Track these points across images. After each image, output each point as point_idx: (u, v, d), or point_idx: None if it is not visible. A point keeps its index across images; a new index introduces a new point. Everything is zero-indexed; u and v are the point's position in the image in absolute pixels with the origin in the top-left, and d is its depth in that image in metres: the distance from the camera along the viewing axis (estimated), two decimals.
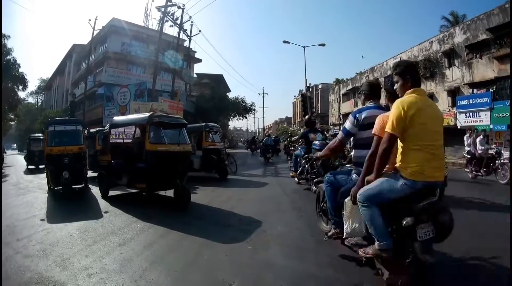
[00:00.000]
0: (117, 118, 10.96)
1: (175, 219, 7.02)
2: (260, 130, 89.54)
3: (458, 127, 25.02)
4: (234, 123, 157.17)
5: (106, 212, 7.71)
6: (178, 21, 32.04)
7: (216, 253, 4.80)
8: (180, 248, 5.12)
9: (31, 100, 71.98)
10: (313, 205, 5.74)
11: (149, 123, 8.40)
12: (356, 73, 48.76)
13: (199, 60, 50.27)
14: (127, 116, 11.24)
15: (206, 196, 9.71)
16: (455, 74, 27.60)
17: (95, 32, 36.12)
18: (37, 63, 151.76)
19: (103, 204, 8.78)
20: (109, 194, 9.69)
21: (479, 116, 23.80)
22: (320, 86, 70.65)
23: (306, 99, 28.87)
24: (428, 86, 30.38)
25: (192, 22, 35.90)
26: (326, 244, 4.81)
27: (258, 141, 34.68)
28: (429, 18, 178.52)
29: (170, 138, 9.29)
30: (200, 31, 36.65)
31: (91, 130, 15.86)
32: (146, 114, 8.83)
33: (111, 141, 10.21)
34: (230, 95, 49.62)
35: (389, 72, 37.35)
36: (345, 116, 49.63)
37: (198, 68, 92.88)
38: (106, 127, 10.71)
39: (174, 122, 9.27)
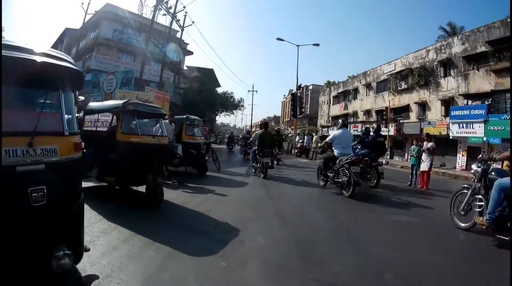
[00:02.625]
0: (92, 104, 10.02)
1: (144, 220, 6.20)
2: (248, 127, 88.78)
3: (450, 137, 24.89)
4: (222, 118, 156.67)
5: None
6: (172, 10, 31.30)
7: (183, 268, 4.01)
8: (142, 258, 4.31)
9: None
10: (299, 211, 7.47)
11: (122, 110, 7.61)
12: (348, 76, 48.51)
13: (191, 53, 49.32)
14: (103, 102, 10.25)
15: (182, 195, 8.87)
16: (450, 84, 27.24)
17: (88, 17, 35.53)
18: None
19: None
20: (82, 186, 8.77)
21: (472, 128, 23.33)
22: (310, 87, 70.17)
23: (296, 99, 28.30)
24: (422, 94, 30.23)
25: (186, 12, 35.24)
26: (314, 262, 4.37)
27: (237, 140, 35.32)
28: (426, 28, 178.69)
29: (144, 129, 8.52)
30: (193, 22, 36.02)
31: None
32: (121, 101, 8.03)
33: (84, 129, 9.37)
34: (219, 90, 49.06)
35: (382, 78, 37.04)
36: (334, 118, 49.42)
37: (189, 61, 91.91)
38: (80, 114, 9.77)
39: (150, 111, 8.49)
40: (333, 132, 11.36)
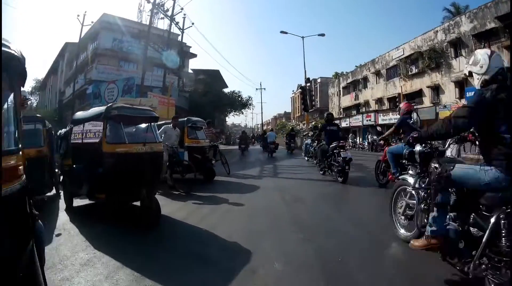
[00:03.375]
0: (79, 114, 8.98)
1: (136, 245, 5.26)
2: (259, 125, 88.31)
3: None
4: (233, 119, 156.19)
5: (58, 235, 5.88)
6: (169, 13, 30.64)
7: None
8: None
9: None
10: (322, 221, 6.13)
11: (105, 117, 6.75)
12: (356, 66, 47.80)
13: (194, 55, 48.95)
14: (88, 110, 8.94)
15: (185, 207, 7.92)
16: (462, 65, 26.27)
17: (86, 29, 35.48)
18: (32, 63, 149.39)
19: (62, 219, 7.07)
20: (75, 205, 8.05)
21: None
22: (319, 80, 69.57)
23: (305, 92, 27.48)
24: (434, 77, 29.50)
25: (184, 14, 34.66)
26: None
27: (255, 138, 34.27)
28: (430, 11, 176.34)
29: (133, 136, 7.55)
30: (193, 23, 35.24)
31: (63, 130, 14.21)
32: (104, 107, 7.17)
33: (72, 141, 8.38)
34: (227, 91, 48.50)
35: (391, 64, 36.20)
36: (346, 109, 48.75)
37: (194, 63, 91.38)
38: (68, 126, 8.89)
39: (139, 115, 7.56)
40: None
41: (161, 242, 5.47)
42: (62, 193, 8.91)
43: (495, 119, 3.07)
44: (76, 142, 8.36)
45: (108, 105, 7.12)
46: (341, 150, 10.81)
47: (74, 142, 8.33)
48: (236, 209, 7.64)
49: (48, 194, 9.51)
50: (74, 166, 7.73)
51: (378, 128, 19.12)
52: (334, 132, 12.04)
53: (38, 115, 10.67)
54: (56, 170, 10.12)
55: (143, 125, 7.88)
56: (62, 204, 8.45)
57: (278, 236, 5.45)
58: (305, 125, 32.51)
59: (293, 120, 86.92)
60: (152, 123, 7.70)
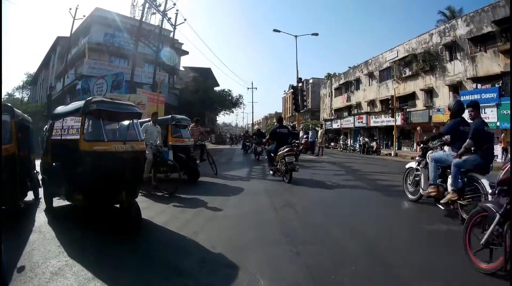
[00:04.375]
0: (59, 108, 8.24)
1: (111, 252, 4.84)
2: (249, 125, 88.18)
3: None
4: (223, 118, 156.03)
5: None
6: (162, 8, 30.23)
7: None
8: None
9: (17, 95, 70.60)
10: (315, 229, 5.89)
11: (84, 112, 6.21)
12: (349, 67, 47.70)
13: (186, 52, 48.61)
14: (69, 105, 8.16)
15: (167, 211, 7.40)
16: (457, 68, 26.30)
17: (78, 22, 35.45)
18: (24, 57, 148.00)
19: (40, 221, 6.61)
20: (56, 205, 7.54)
21: (484, 113, 21.99)
22: (310, 81, 69.46)
23: (297, 92, 27.18)
24: (428, 80, 29.45)
25: (177, 10, 34.27)
26: None
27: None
28: (424, 14, 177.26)
29: (113, 134, 7.11)
30: (185, 19, 34.84)
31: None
32: (82, 101, 6.55)
33: (52, 137, 7.84)
34: (218, 89, 48.32)
35: (384, 66, 36.07)
36: (337, 111, 48.73)
37: (186, 61, 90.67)
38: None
39: (120, 111, 6.89)
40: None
41: (137, 250, 5.02)
42: (42, 195, 8.16)
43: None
44: (56, 138, 8.03)
45: (88, 99, 6.48)
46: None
47: (53, 139, 7.88)
48: (220, 215, 7.12)
49: (26, 199, 8.54)
50: (53, 164, 7.24)
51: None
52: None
53: (8, 104, 8.78)
54: (36, 171, 9.50)
55: (125, 122, 7.29)
56: (41, 204, 8.00)
57: (266, 248, 4.96)
58: (296, 125, 32.24)
59: (284, 120, 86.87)
60: (135, 120, 7.13)
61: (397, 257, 4.55)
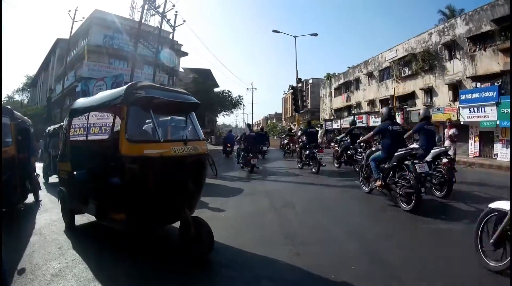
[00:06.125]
0: (80, 101, 6.60)
1: (110, 254, 4.84)
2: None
3: (461, 123, 23.45)
4: (224, 119, 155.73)
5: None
6: (161, 10, 30.19)
7: None
8: None
9: (17, 97, 70.50)
10: (315, 230, 5.87)
11: (126, 102, 4.62)
12: (348, 67, 47.63)
13: (185, 54, 48.56)
14: (94, 96, 6.22)
15: None
16: (456, 67, 26.17)
17: (78, 25, 35.45)
18: (24, 59, 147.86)
19: (40, 223, 6.59)
20: (78, 223, 6.40)
21: (484, 111, 22.05)
22: (310, 81, 69.32)
23: (297, 93, 27.08)
24: (427, 80, 29.31)
25: (176, 11, 34.29)
26: None
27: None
28: (424, 13, 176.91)
29: (168, 131, 6.20)
30: (184, 21, 34.72)
31: (54, 126, 13.60)
32: (123, 88, 4.93)
33: (71, 139, 6.25)
34: (217, 90, 48.26)
35: (384, 65, 35.99)
36: (337, 111, 48.59)
37: (185, 62, 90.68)
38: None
39: (175, 100, 5.13)
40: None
41: (136, 253, 4.96)
42: (59, 204, 6.69)
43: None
44: (77, 139, 6.17)
45: (131, 83, 4.95)
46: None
47: (74, 140, 6.22)
48: (221, 215, 7.15)
49: (26, 201, 8.59)
50: (74, 172, 5.59)
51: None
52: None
53: (7, 106, 8.39)
54: (36, 174, 9.48)
55: (179, 116, 6.05)
56: (42, 206, 8.09)
57: (266, 251, 4.81)
58: (296, 126, 32.12)
59: (284, 121, 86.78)
60: (192, 113, 5.65)
61: (398, 258, 4.54)
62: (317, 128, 32.90)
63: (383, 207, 7.63)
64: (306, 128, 15.98)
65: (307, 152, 14.38)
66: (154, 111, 4.90)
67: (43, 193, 9.79)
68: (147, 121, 5.49)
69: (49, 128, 13.79)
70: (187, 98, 5.38)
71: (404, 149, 7.71)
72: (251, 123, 52.55)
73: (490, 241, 3.95)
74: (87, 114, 5.85)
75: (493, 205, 4.11)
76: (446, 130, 11.90)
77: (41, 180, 9.77)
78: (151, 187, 4.55)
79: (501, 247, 3.86)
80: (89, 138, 5.73)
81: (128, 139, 4.44)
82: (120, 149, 4.45)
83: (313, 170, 13.80)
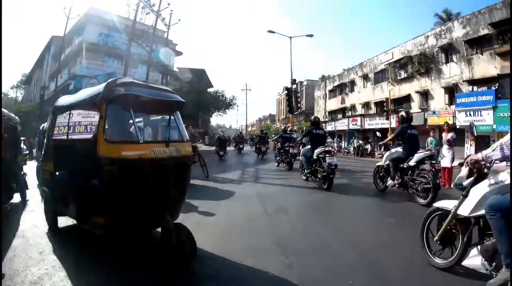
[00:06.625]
0: (64, 98, 6.15)
1: (90, 260, 4.46)
2: (243, 127, 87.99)
3: (457, 127, 23.00)
4: (217, 119, 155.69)
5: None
6: (156, 8, 29.93)
7: None
8: None
9: (12, 94, 70.02)
10: (308, 236, 5.48)
11: (105, 100, 4.23)
12: (344, 69, 47.61)
13: (180, 53, 48.43)
14: (77, 93, 5.64)
15: None
16: (453, 70, 26.19)
17: (73, 22, 35.61)
18: (19, 56, 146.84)
19: (25, 225, 6.26)
20: (60, 225, 5.93)
21: (481, 115, 22.12)
22: (305, 83, 69.23)
23: (291, 94, 26.86)
24: (423, 83, 29.31)
25: (171, 10, 33.95)
26: None
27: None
28: (421, 17, 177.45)
29: (150, 131, 5.93)
30: (179, 20, 34.53)
31: (46, 123, 13.17)
32: (103, 84, 4.47)
33: (54, 138, 5.85)
34: (211, 90, 48.01)
35: (379, 68, 35.89)
36: (331, 113, 48.53)
37: (180, 62, 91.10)
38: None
39: (158, 98, 4.81)
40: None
41: (118, 259, 4.64)
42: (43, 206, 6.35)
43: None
44: (60, 138, 5.90)
45: (111, 80, 4.50)
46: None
47: (57, 139, 5.88)
48: (210, 220, 6.74)
49: (12, 201, 8.19)
50: (56, 172, 5.33)
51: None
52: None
53: None
54: (23, 173, 9.14)
55: (162, 116, 5.69)
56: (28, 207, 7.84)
57: (257, 261, 4.44)
58: (290, 128, 31.91)
59: (278, 122, 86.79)
60: (177, 112, 5.31)
61: (397, 270, 4.21)
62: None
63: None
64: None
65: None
66: (136, 110, 4.65)
67: (32, 193, 9.36)
68: (130, 121, 5.01)
69: (43, 125, 13.46)
70: (171, 96, 5.03)
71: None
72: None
73: (435, 239, 4.17)
74: (69, 112, 5.60)
75: (437, 204, 4.34)
76: (444, 134, 11.60)
77: (34, 179, 9.32)
78: (129, 191, 4.21)
79: (447, 244, 4.09)
80: (73, 137, 5.59)
81: (106, 140, 4.12)
82: (98, 149, 4.13)
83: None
